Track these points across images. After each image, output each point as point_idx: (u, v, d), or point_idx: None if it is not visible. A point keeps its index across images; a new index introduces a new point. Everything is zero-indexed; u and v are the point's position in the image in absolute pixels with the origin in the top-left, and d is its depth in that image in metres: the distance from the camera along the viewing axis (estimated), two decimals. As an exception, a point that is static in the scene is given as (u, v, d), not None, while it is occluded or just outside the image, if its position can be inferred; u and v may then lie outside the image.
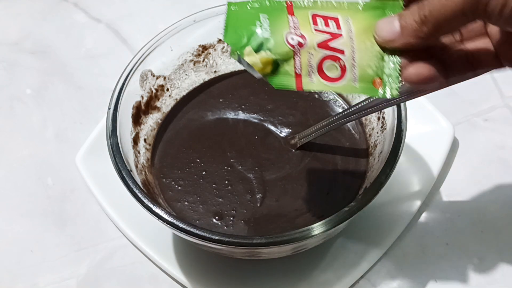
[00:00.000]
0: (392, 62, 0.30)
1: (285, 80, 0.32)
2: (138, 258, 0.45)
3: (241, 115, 0.46)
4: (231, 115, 0.46)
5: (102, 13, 0.61)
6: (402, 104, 0.38)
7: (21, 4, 0.63)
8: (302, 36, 0.30)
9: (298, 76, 0.31)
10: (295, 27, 0.31)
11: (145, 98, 0.44)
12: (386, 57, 0.30)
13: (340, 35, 0.30)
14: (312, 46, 0.30)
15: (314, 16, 0.31)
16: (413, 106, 0.39)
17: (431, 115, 0.48)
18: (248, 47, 0.31)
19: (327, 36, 0.30)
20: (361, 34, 0.30)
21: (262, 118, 0.45)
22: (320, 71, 0.31)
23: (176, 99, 0.47)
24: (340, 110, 0.46)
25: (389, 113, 0.40)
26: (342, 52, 0.30)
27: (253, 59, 0.31)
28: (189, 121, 0.46)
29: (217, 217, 0.41)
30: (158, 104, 0.45)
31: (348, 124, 0.45)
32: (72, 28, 0.61)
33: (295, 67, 0.31)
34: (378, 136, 0.42)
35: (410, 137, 0.41)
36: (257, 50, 0.31)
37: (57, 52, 0.59)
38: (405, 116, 0.38)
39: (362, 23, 0.31)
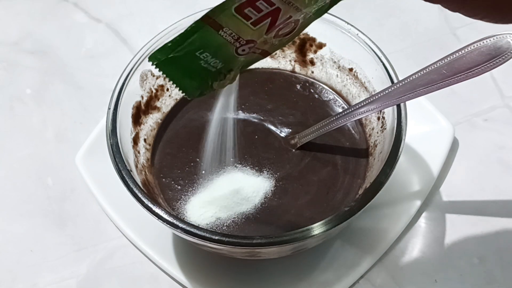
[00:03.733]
0: None
1: (256, 60, 0.31)
2: (138, 258, 0.45)
3: (241, 115, 0.46)
4: (231, 115, 0.46)
5: (102, 13, 0.61)
6: (402, 104, 0.38)
7: (21, 4, 0.63)
8: (249, 41, 0.28)
9: (263, 52, 0.30)
10: (235, 39, 0.28)
11: (145, 98, 0.44)
12: None
13: (278, 9, 0.27)
14: (262, 38, 0.29)
15: (240, 11, 0.27)
16: (413, 106, 0.39)
17: (431, 115, 0.48)
18: (215, 84, 0.30)
19: (268, 21, 0.28)
20: None
21: (262, 118, 0.45)
22: (279, 36, 0.29)
23: (176, 99, 0.47)
24: (340, 110, 0.46)
25: (389, 113, 0.40)
26: (289, 17, 0.28)
27: (224, 84, 0.30)
28: (189, 121, 0.46)
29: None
30: (158, 104, 0.45)
31: (348, 124, 0.45)
32: (72, 28, 0.61)
33: (258, 54, 0.30)
34: (378, 136, 0.42)
35: (410, 137, 0.41)
36: (222, 79, 0.30)
37: (57, 52, 0.59)
38: (405, 116, 0.38)
39: None
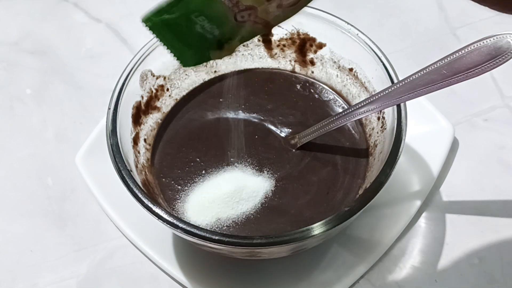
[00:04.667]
0: None
1: (257, 32, 0.29)
2: (138, 258, 0.45)
3: (241, 115, 0.46)
4: (231, 115, 0.46)
5: (102, 13, 0.61)
6: (402, 104, 0.38)
7: (21, 4, 0.63)
8: (249, 8, 0.27)
9: (265, 23, 0.28)
10: (233, 3, 0.26)
11: (145, 98, 0.44)
12: None
13: None
14: (264, 5, 0.27)
15: None
16: (413, 106, 0.39)
17: (431, 115, 0.48)
18: (212, 52, 0.28)
19: None
20: None
21: (262, 118, 0.45)
22: (283, 6, 0.28)
23: (176, 99, 0.47)
24: (340, 110, 0.46)
25: (389, 113, 0.40)
26: None
27: (221, 55, 0.28)
28: (189, 121, 0.46)
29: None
30: (158, 104, 0.45)
31: (348, 124, 0.45)
32: (72, 28, 0.61)
33: (259, 23, 0.28)
34: (378, 136, 0.42)
35: (410, 137, 0.41)
36: (220, 47, 0.28)
37: (57, 52, 0.59)
38: (405, 116, 0.38)
39: None
